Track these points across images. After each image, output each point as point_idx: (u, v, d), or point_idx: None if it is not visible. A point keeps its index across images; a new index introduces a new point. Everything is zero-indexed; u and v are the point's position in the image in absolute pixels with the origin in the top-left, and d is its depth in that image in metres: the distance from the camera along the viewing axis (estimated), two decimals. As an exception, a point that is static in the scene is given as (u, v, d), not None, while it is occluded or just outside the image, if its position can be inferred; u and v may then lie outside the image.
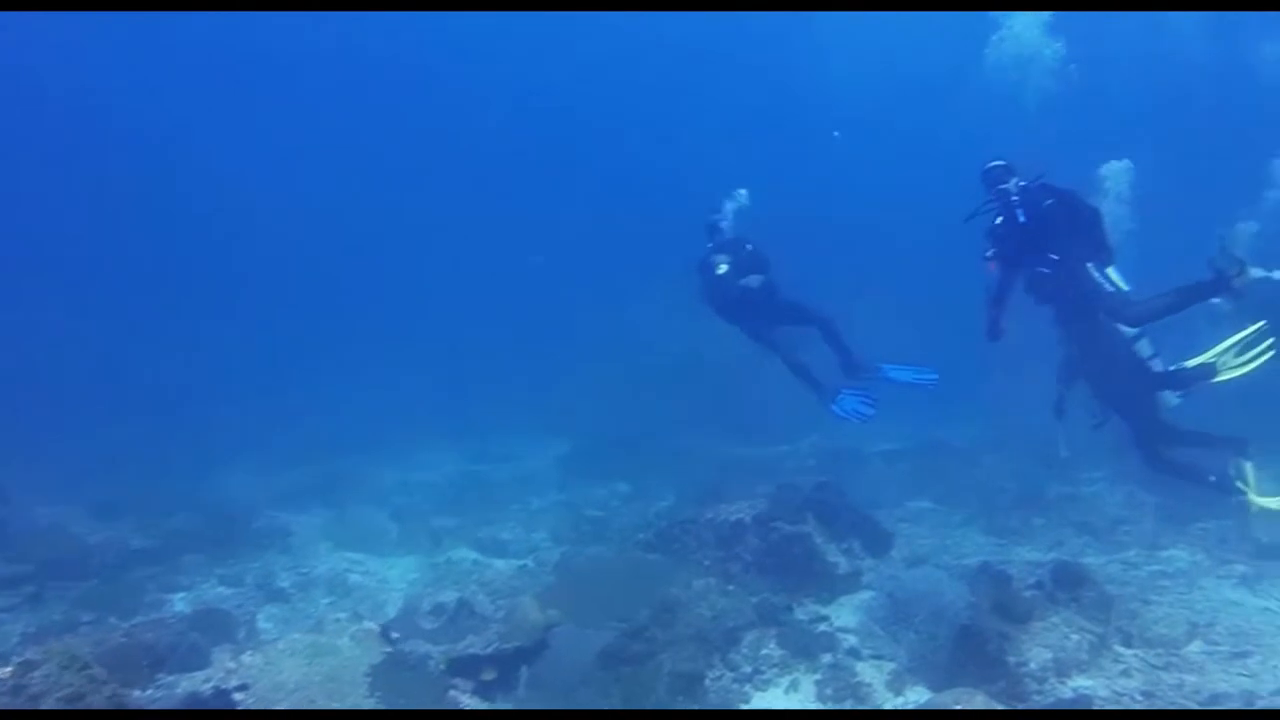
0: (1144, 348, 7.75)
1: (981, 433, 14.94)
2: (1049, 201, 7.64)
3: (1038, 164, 8.17)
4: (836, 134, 29.55)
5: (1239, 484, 7.48)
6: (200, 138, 32.82)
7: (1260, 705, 5.81)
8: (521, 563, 10.02)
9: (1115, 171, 9.91)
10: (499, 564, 10.11)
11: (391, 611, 8.64)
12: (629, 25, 31.10)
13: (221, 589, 9.56)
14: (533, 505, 13.00)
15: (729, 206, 10.39)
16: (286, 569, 10.16)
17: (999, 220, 7.76)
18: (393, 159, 35.92)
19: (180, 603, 9.15)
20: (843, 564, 8.26)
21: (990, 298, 7.86)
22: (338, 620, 7.33)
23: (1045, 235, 7.57)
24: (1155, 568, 8.64)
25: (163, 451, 15.38)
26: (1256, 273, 9.67)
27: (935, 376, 9.59)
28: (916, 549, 9.59)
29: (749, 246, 10.07)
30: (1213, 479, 7.63)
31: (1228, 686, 6.17)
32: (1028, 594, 7.12)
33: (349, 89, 33.59)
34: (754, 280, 9.74)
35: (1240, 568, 8.45)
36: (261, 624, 8.52)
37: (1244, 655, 6.63)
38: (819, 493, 9.01)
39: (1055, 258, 7.57)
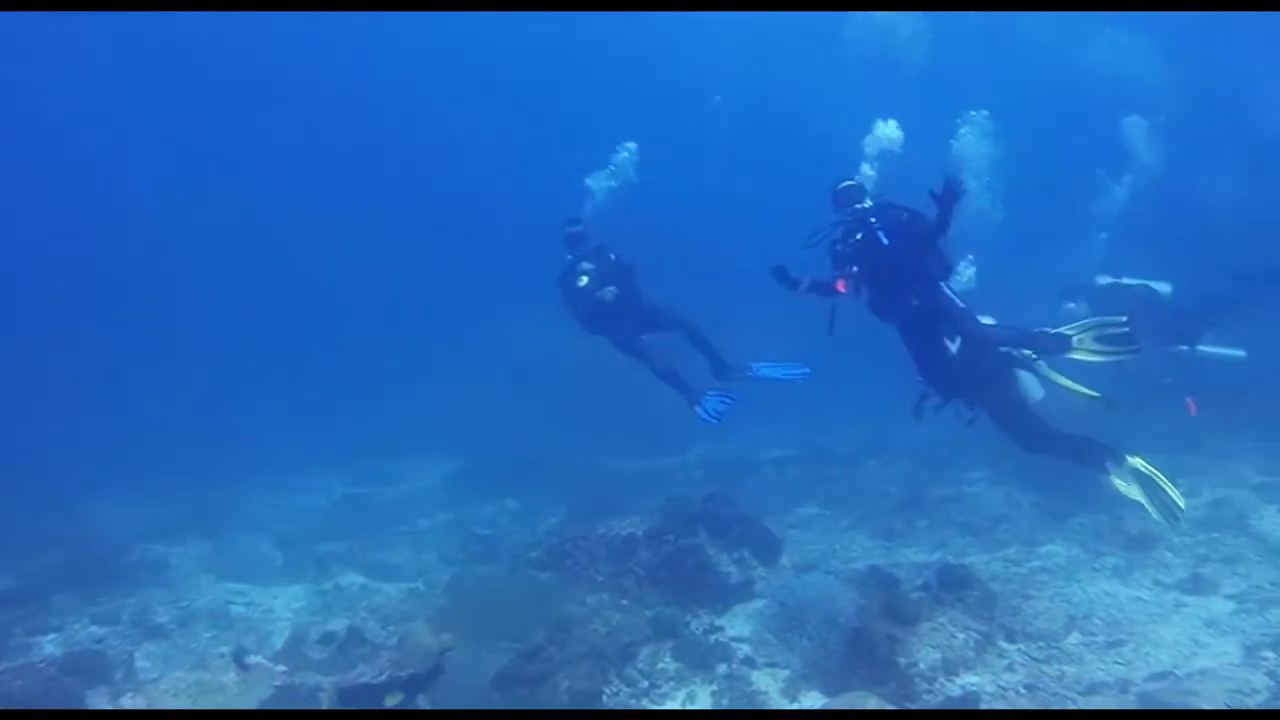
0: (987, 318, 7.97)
1: (865, 438, 15.24)
2: (904, 219, 7.59)
3: (880, 183, 8.33)
4: (718, 98, 29.35)
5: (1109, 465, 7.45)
6: (96, 142, 31.24)
7: (1135, 692, 6.04)
8: (411, 586, 9.84)
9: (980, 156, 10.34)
10: (388, 588, 9.91)
11: (278, 643, 8.41)
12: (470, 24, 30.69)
13: (95, 629, 9.12)
14: (421, 526, 12.80)
15: (589, 205, 10.49)
16: (165, 603, 9.74)
17: (858, 237, 7.64)
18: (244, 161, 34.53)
19: (50, 645, 8.69)
20: (735, 574, 8.35)
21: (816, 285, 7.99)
22: (222, 655, 7.11)
23: (905, 256, 7.48)
24: (1035, 564, 8.92)
25: (20, 482, 14.50)
26: (1104, 280, 10.23)
27: (806, 370, 9.75)
28: (806, 555, 9.72)
29: (612, 256, 10.10)
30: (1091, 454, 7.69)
31: (1105, 675, 6.42)
32: (915, 596, 7.31)
33: (248, 94, 32.35)
34: (609, 293, 9.74)
35: (1113, 560, 8.80)
36: (140, 663, 8.13)
37: (1119, 644, 6.92)
38: (709, 504, 9.10)
39: (916, 278, 7.50)
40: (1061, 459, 7.91)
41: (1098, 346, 7.39)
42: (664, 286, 10.39)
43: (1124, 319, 7.42)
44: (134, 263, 33.23)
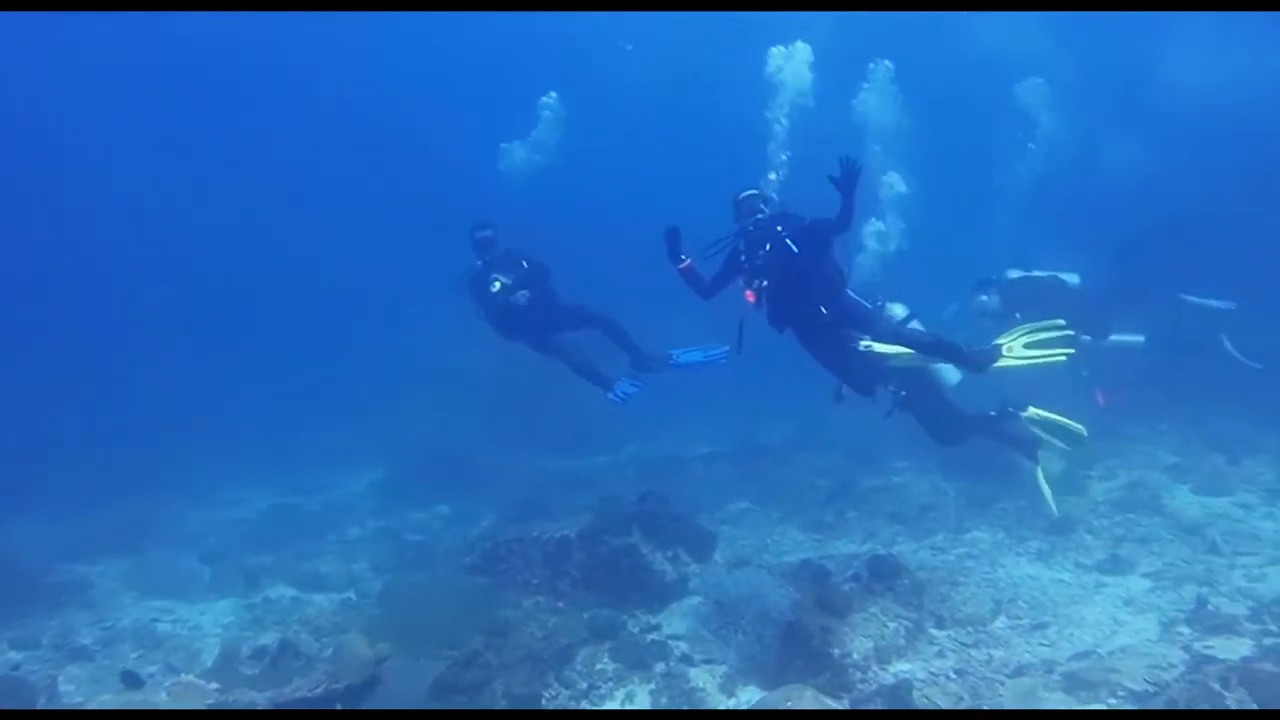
0: (898, 310, 8.24)
1: (794, 431, 15.41)
2: (807, 225, 7.60)
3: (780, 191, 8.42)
4: (629, 47, 28.96)
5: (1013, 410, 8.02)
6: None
7: (1060, 672, 6.22)
8: (343, 596, 9.73)
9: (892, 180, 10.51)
10: (319, 599, 9.79)
11: (208, 660, 8.24)
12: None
13: (13, 654, 8.82)
14: (350, 535, 12.65)
15: (487, 232, 10.22)
16: (88, 625, 9.51)
17: (768, 248, 7.60)
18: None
19: (-33, 672, 8.46)
20: (669, 572, 8.40)
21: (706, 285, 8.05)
22: (150, 675, 6.98)
23: (814, 263, 7.55)
24: (961, 550, 9.12)
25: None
26: (1014, 272, 10.51)
27: (725, 350, 9.71)
28: (738, 551, 9.81)
29: (524, 262, 10.08)
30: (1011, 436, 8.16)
31: (1030, 657, 6.61)
32: (847, 587, 7.44)
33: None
34: (522, 297, 9.77)
35: (1036, 544, 9.04)
36: (64, 687, 7.94)
37: (1043, 626, 7.12)
38: (643, 503, 9.15)
39: (824, 285, 7.61)
40: (984, 438, 8.35)
41: (1028, 351, 7.55)
42: (582, 279, 10.44)
43: (1062, 321, 7.64)
44: (51, 270, 32.19)
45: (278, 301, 31.95)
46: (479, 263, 10.11)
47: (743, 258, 7.74)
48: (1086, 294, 10.70)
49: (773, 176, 8.61)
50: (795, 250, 7.53)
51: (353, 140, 33.91)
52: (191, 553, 11.74)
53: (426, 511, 13.50)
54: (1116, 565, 8.21)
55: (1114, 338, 10.84)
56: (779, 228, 7.64)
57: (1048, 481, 8.07)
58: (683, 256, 8.04)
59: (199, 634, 9.20)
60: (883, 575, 7.55)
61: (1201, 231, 12.05)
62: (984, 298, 10.49)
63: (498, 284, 9.74)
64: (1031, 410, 7.94)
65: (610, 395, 9.63)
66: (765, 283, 7.56)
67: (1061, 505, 9.58)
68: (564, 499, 12.45)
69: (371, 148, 34.05)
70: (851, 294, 7.74)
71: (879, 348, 7.14)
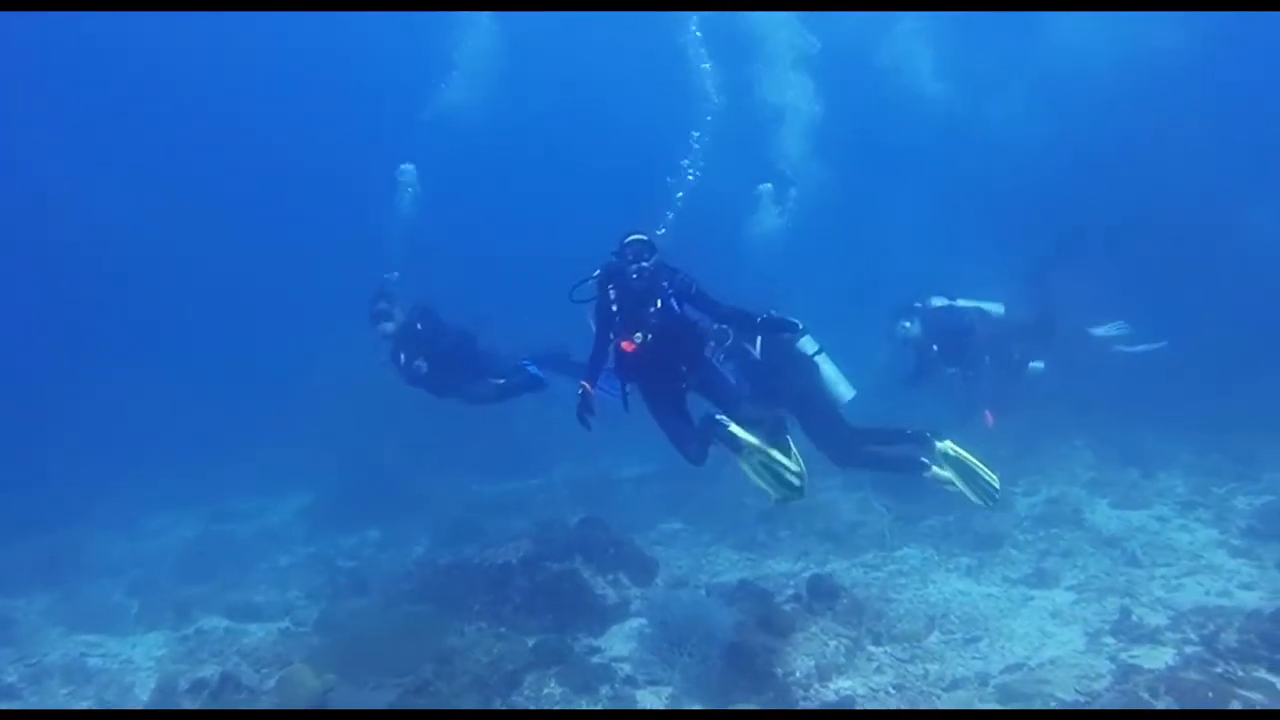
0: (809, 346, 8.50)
1: (723, 451, 15.54)
2: (693, 292, 7.49)
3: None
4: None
5: (925, 459, 7.82)
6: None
7: (993, 684, 6.46)
8: (280, 626, 9.63)
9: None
10: (254, 629, 9.67)
11: (142, 695, 8.17)
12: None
13: (-64, 694, 8.66)
14: (282, 563, 12.50)
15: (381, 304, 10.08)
16: (12, 661, 9.25)
17: (658, 304, 7.33)
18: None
19: (-112, 715, 8.22)
20: (611, 595, 8.51)
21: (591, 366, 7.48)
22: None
23: (691, 325, 7.54)
24: (892, 567, 9.36)
25: None
26: (939, 301, 10.58)
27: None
28: (675, 572, 9.92)
29: (419, 326, 10.03)
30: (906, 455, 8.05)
31: (965, 671, 6.84)
32: (788, 607, 7.63)
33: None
34: (422, 365, 9.83)
35: (964, 559, 9.34)
36: (-7, 727, 7.80)
37: (975, 640, 7.38)
38: (583, 528, 9.24)
39: (695, 348, 7.61)
40: (878, 470, 8.51)
41: (963, 485, 7.68)
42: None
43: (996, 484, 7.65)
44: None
45: (192, 325, 31.44)
46: (389, 325, 10.02)
47: (614, 308, 7.39)
48: (1008, 324, 10.68)
49: (662, 231, 8.54)
50: (677, 311, 7.47)
51: (247, 159, 33.38)
52: (118, 585, 11.53)
53: (357, 537, 13.40)
54: (1042, 579, 8.51)
55: (1140, 347, 11.13)
56: (665, 284, 7.43)
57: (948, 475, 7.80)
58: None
59: (131, 667, 9.03)
60: (822, 595, 7.75)
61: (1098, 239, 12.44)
62: (906, 324, 10.41)
63: (403, 355, 9.89)
64: (948, 445, 7.75)
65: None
66: (649, 336, 7.27)
67: (986, 521, 9.97)
68: (498, 522, 12.47)
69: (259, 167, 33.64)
70: (713, 362, 7.85)
71: (734, 429, 7.08)
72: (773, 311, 7.78)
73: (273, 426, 19.76)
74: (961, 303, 10.65)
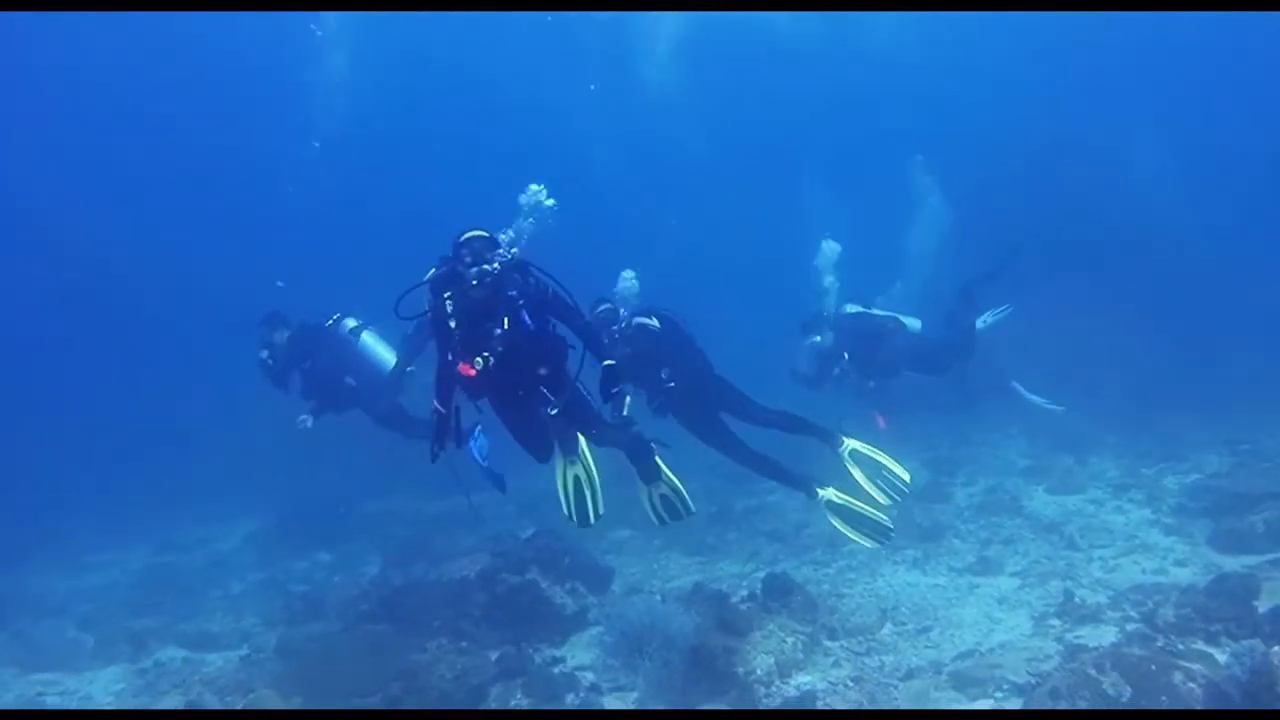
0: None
1: (665, 455, 15.67)
2: (550, 298, 6.46)
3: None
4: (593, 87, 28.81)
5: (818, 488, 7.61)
6: None
7: (947, 671, 6.65)
8: (238, 653, 9.52)
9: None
10: (213, 658, 9.56)
11: (104, 730, 8.09)
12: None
13: (-111, 742, 8.48)
14: (234, 590, 12.36)
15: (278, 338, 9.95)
16: (-34, 705, 9.14)
17: (505, 325, 6.21)
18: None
19: None
20: (569, 605, 8.60)
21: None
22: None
23: (542, 342, 6.54)
24: (841, 563, 9.57)
25: None
26: (853, 308, 10.43)
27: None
28: (628, 579, 10.04)
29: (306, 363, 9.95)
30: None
31: (919, 660, 7.03)
32: (744, 607, 7.78)
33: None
34: (308, 421, 9.88)
35: (910, 552, 9.56)
36: (-48, 772, 7.67)
37: (927, 630, 7.59)
38: (537, 539, 9.32)
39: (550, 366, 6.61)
40: (772, 479, 8.26)
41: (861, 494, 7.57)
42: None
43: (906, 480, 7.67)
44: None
45: (119, 353, 30.78)
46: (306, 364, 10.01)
47: (453, 324, 6.16)
48: (922, 340, 10.59)
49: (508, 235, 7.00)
50: (530, 326, 6.37)
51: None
52: (68, 621, 11.31)
53: (308, 560, 13.33)
54: (986, 567, 8.79)
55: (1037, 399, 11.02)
56: (513, 291, 6.29)
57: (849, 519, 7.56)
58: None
59: (90, 704, 8.85)
60: (776, 593, 7.92)
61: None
62: (817, 337, 10.23)
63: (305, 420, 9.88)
64: (852, 443, 7.70)
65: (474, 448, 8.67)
66: (492, 361, 6.17)
67: (928, 513, 10.24)
68: (446, 539, 12.50)
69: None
70: (579, 385, 6.76)
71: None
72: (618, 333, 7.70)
73: (212, 455, 19.49)
74: (877, 312, 10.51)
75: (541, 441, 6.96)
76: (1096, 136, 18.27)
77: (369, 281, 10.35)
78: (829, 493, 7.49)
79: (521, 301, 6.31)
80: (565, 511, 7.14)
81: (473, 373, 6.13)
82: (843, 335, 10.15)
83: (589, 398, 6.93)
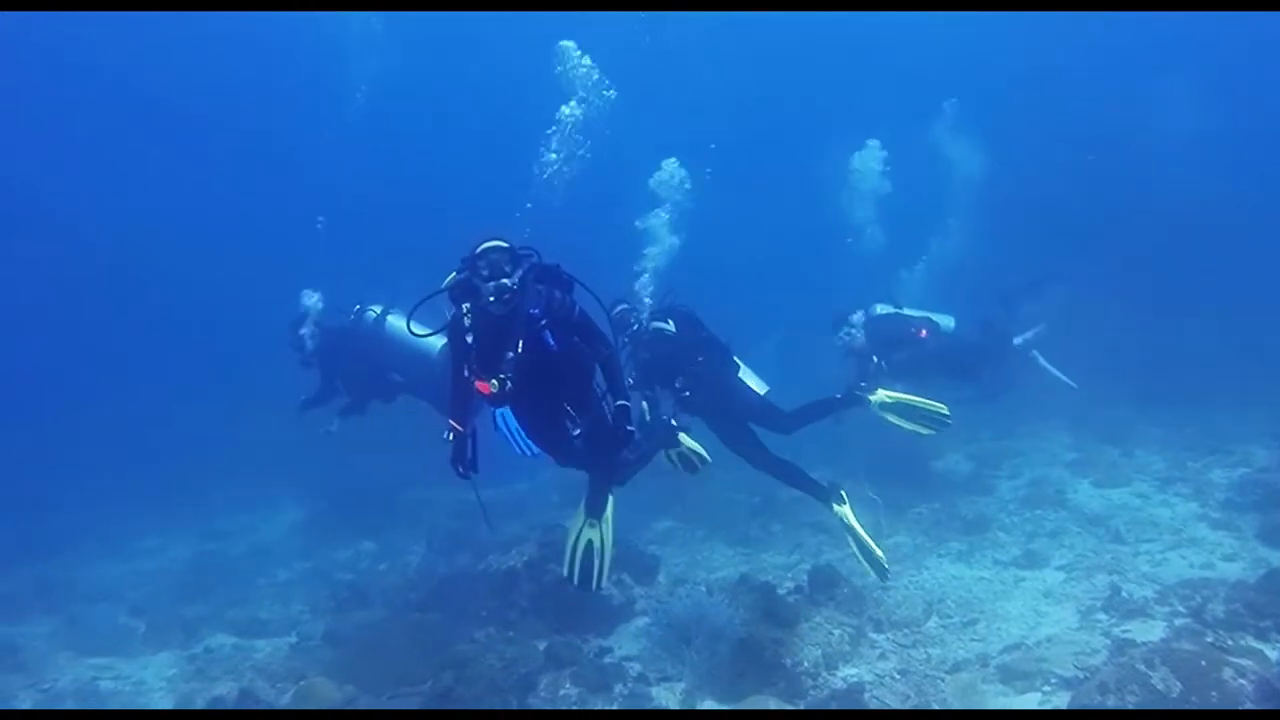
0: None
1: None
2: (575, 321, 6.19)
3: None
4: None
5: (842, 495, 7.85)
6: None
7: (994, 665, 6.69)
8: (287, 640, 9.72)
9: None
10: (263, 645, 9.76)
11: (159, 714, 8.27)
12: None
13: (-50, 722, 8.71)
14: (280, 578, 12.56)
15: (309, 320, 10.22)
16: (24, 688, 9.27)
17: (519, 348, 5.89)
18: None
19: (-97, 747, 8.29)
20: (616, 595, 8.68)
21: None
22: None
23: (569, 360, 6.24)
24: (886, 555, 9.57)
25: None
26: (884, 308, 10.44)
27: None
28: (673, 569, 10.11)
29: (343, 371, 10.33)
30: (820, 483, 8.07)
31: (965, 653, 7.07)
32: (791, 599, 7.84)
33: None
34: (334, 426, 10.48)
35: (955, 544, 9.59)
36: (15, 753, 7.88)
37: (972, 623, 7.61)
38: (585, 531, 9.38)
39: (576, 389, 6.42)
40: (795, 488, 8.33)
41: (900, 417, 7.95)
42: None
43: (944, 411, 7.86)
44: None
45: (169, 343, 31.26)
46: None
47: (469, 339, 5.96)
48: (956, 342, 10.52)
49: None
50: (554, 347, 6.04)
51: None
52: (120, 607, 11.54)
53: (352, 549, 13.49)
54: (1031, 560, 8.78)
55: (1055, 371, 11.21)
56: (535, 309, 5.96)
57: (861, 528, 7.71)
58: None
59: (144, 689, 9.09)
60: (823, 585, 7.99)
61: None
62: (852, 331, 10.17)
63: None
64: (881, 394, 8.01)
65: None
66: (509, 384, 5.87)
67: (973, 506, 10.24)
68: (490, 528, 12.58)
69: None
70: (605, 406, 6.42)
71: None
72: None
73: (254, 444, 19.73)
74: (909, 311, 10.47)
75: (560, 448, 6.62)
76: (1134, 118, 18.15)
77: (397, 269, 10.56)
78: (880, 395, 7.92)
79: (544, 321, 5.98)
80: (565, 571, 6.75)
81: (489, 391, 5.89)
82: (874, 338, 10.10)
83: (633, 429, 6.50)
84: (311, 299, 10.15)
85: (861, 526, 7.65)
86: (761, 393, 8.21)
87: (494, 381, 5.83)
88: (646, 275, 8.62)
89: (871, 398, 7.99)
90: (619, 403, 6.18)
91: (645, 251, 8.95)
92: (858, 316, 10.26)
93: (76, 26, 24.60)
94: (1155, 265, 15.20)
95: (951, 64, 23.62)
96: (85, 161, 31.35)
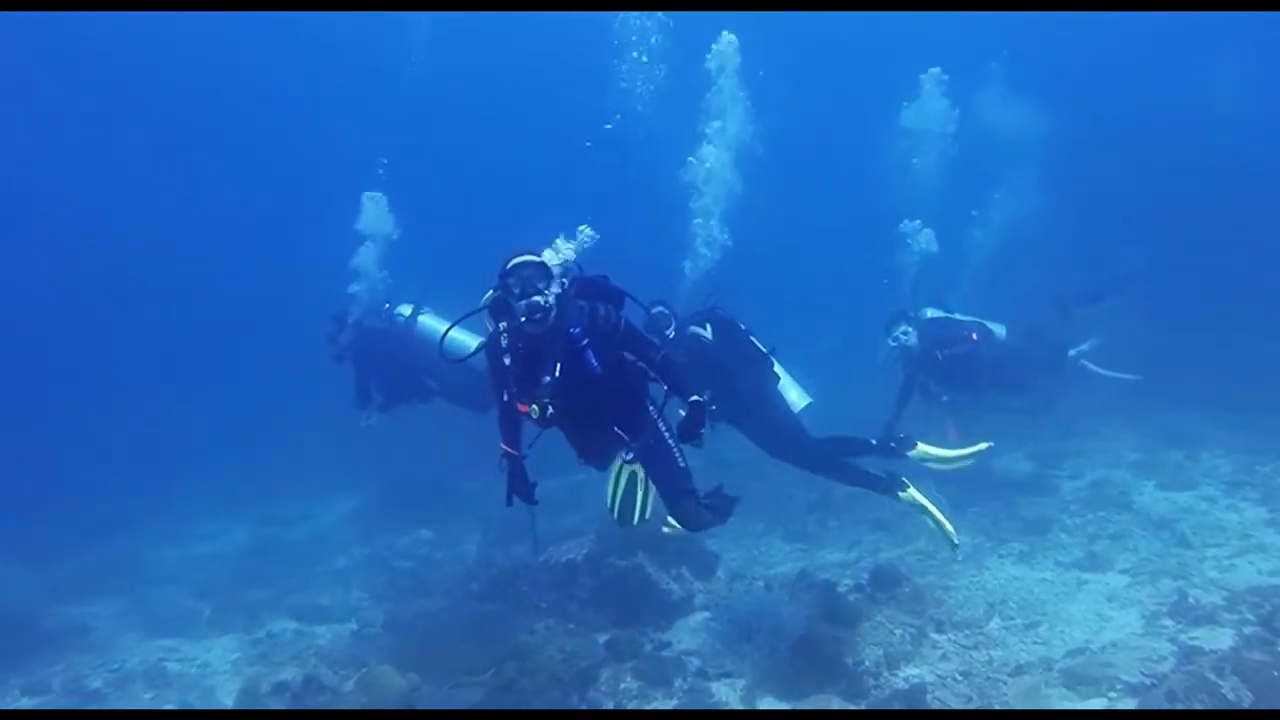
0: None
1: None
2: (620, 334, 5.77)
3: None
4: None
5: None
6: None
7: (1057, 669, 6.63)
8: (348, 627, 9.86)
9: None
10: (323, 631, 9.95)
11: (224, 698, 8.44)
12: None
13: (26, 700, 8.89)
14: (339, 564, 12.76)
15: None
16: (94, 668, 9.54)
17: (556, 371, 5.50)
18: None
19: (-17, 721, 8.53)
20: (675, 590, 8.71)
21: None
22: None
23: (615, 382, 5.81)
24: (945, 554, 9.50)
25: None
26: (934, 312, 10.34)
27: None
28: (731, 564, 10.11)
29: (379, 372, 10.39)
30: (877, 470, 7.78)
31: (1028, 656, 6.99)
32: (852, 598, 7.84)
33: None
34: (372, 419, 10.47)
35: (1015, 545, 9.49)
36: (88, 732, 8.08)
37: (1035, 625, 7.52)
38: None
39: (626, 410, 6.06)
40: (849, 484, 8.01)
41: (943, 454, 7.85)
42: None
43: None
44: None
45: (228, 331, 31.76)
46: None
47: (507, 361, 5.66)
48: (1008, 351, 10.45)
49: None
50: (597, 368, 5.65)
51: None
52: (184, 590, 11.82)
53: (409, 537, 13.66)
54: (1094, 562, 8.66)
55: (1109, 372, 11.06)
56: (575, 328, 5.59)
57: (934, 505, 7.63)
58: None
59: (209, 671, 9.30)
60: (884, 584, 7.99)
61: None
62: (906, 329, 9.92)
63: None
64: (922, 448, 7.90)
65: None
66: (550, 410, 5.50)
67: (1033, 506, 10.15)
68: (547, 519, 12.63)
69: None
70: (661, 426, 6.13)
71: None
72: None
73: (311, 432, 19.98)
74: (960, 316, 10.36)
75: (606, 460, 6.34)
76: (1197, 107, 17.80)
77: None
78: (913, 493, 7.52)
79: (585, 341, 5.60)
80: (608, 504, 6.59)
81: (526, 410, 5.53)
82: (927, 341, 9.96)
83: (677, 456, 6.15)
84: (361, 285, 10.31)
85: (934, 503, 7.59)
86: (802, 405, 8.03)
87: (534, 407, 5.47)
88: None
89: (911, 454, 7.88)
90: (692, 399, 5.67)
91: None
92: (909, 318, 10.11)
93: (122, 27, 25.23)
94: (1219, 257, 14.87)
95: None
96: (158, 163, 32.24)
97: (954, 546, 7.60)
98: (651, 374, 5.87)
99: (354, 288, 10.40)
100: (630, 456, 6.01)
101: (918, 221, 10.84)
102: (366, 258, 10.54)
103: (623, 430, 5.97)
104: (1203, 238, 15.28)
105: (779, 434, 7.82)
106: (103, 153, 31.02)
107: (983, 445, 7.89)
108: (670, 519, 6.32)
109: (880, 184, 15.04)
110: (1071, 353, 10.99)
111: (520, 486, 5.99)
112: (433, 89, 28.49)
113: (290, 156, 32.90)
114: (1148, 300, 12.68)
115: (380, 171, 11.99)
